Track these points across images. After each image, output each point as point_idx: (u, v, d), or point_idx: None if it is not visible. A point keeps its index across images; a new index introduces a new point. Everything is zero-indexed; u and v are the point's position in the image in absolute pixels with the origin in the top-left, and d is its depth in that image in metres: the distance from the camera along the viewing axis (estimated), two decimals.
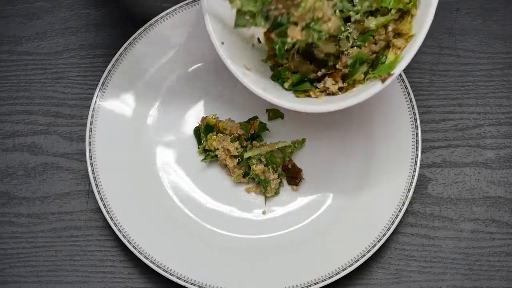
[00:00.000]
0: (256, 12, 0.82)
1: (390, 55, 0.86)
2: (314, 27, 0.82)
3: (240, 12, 0.83)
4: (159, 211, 0.95)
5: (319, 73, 0.89)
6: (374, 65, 0.87)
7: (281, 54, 0.83)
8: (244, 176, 0.97)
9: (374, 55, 0.87)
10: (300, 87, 0.90)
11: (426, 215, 0.97)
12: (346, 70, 0.87)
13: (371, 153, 0.96)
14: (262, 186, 0.96)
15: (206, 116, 0.98)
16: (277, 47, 0.83)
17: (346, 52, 0.87)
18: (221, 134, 0.97)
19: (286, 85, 0.90)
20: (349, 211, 0.94)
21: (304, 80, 0.90)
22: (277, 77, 0.91)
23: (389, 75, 0.82)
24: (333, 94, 0.88)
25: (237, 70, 0.86)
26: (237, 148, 0.96)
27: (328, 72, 0.89)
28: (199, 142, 0.99)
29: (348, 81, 0.88)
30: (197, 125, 0.99)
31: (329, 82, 0.88)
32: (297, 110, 0.85)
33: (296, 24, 0.81)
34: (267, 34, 0.82)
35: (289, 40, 0.82)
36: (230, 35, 0.88)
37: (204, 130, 0.98)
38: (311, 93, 0.89)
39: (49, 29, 1.05)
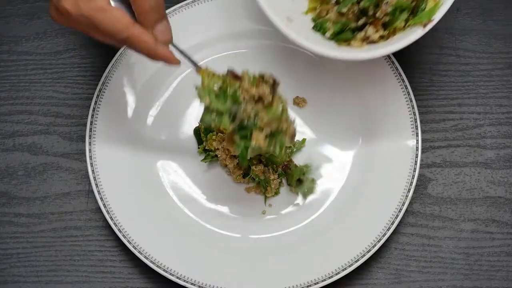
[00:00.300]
0: (224, 111, 0.82)
1: (430, 2, 0.89)
2: (278, 137, 0.83)
3: (207, 109, 0.83)
4: (159, 211, 0.95)
5: (360, 22, 0.91)
6: (414, 12, 0.89)
7: (243, 157, 0.84)
8: (244, 176, 0.97)
9: (414, 3, 0.90)
10: (341, 36, 0.92)
11: (426, 215, 0.97)
12: (387, 18, 0.90)
13: (371, 153, 0.96)
14: (262, 186, 0.96)
15: None
16: (239, 150, 0.83)
17: (386, 1, 0.90)
18: (221, 134, 0.97)
19: (328, 34, 0.92)
20: (349, 211, 0.94)
21: (345, 29, 0.92)
22: (319, 28, 0.93)
23: (430, 21, 0.85)
24: (374, 42, 0.90)
25: (279, 20, 0.87)
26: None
27: (369, 21, 0.91)
28: (199, 142, 0.99)
29: (389, 29, 0.90)
30: (197, 125, 0.99)
31: (370, 30, 0.90)
32: (339, 58, 0.87)
33: (261, 129, 0.82)
34: (230, 135, 0.83)
35: (252, 144, 0.82)
36: None
37: (204, 130, 0.97)
38: (352, 42, 0.91)
39: (49, 29, 1.05)
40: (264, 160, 0.96)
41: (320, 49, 0.87)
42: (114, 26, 0.78)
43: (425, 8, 0.89)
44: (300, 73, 1.01)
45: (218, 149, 0.96)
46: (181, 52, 0.85)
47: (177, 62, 0.83)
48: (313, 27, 0.94)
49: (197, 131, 0.99)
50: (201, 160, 0.98)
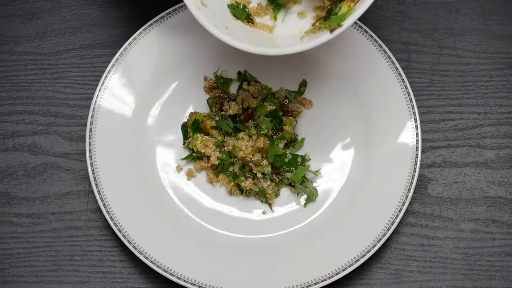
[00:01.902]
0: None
1: (344, 7, 0.85)
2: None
3: None
4: (159, 211, 0.95)
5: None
6: (327, 15, 0.87)
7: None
8: (242, 192, 0.97)
9: (329, 6, 0.87)
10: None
11: (426, 215, 0.97)
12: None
13: (371, 153, 0.96)
14: (260, 195, 0.96)
15: (195, 112, 0.98)
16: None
17: None
18: (207, 137, 0.97)
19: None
20: (349, 211, 0.94)
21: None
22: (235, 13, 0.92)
23: (339, 26, 0.81)
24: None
25: (191, 3, 0.83)
26: (218, 157, 0.96)
27: None
28: (185, 137, 0.99)
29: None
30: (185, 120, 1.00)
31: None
32: (250, 51, 0.84)
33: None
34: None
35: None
36: None
37: (191, 126, 0.98)
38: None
39: (49, 29, 1.05)
40: (250, 175, 0.96)
41: (225, 38, 0.84)
42: None
43: (337, 13, 0.86)
44: (300, 73, 1.01)
45: (202, 153, 0.96)
46: None
47: None
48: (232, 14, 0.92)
49: (184, 126, 0.99)
50: (181, 159, 0.98)
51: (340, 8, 0.85)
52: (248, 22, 0.93)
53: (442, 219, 0.97)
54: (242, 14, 0.92)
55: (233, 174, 0.96)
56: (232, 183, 0.97)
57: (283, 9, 0.94)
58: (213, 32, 0.84)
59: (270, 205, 0.96)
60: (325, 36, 0.82)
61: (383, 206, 0.93)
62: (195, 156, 0.98)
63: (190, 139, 0.98)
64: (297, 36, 0.88)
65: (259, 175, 0.95)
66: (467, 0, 1.05)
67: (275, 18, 0.93)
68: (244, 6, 0.93)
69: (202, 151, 0.96)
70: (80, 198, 0.99)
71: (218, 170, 0.97)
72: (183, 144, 0.99)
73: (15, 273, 0.96)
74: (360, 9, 0.81)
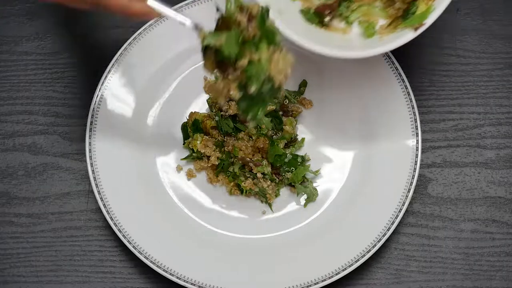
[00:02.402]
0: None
1: (421, 5, 0.89)
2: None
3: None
4: (159, 211, 0.95)
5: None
6: (404, 15, 0.90)
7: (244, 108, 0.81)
8: (242, 192, 0.97)
9: (406, 5, 0.91)
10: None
11: (426, 215, 0.97)
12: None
13: (371, 153, 0.96)
14: (260, 196, 0.96)
15: (195, 112, 0.98)
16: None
17: None
18: (207, 137, 0.97)
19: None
20: (349, 211, 0.94)
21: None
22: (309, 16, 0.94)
23: (421, 24, 0.85)
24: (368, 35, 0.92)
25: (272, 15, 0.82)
26: (218, 157, 0.96)
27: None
28: (185, 137, 0.99)
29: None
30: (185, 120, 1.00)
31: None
32: (331, 55, 0.87)
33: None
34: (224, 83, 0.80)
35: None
36: None
37: (191, 126, 0.98)
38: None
39: (49, 29, 1.05)
40: (250, 175, 0.96)
41: (309, 45, 0.87)
42: None
43: (415, 12, 0.90)
44: (300, 73, 1.01)
45: (202, 153, 0.96)
46: (162, 5, 0.81)
47: (155, 15, 0.81)
48: (305, 18, 0.93)
49: (184, 127, 0.99)
50: (181, 159, 0.98)
51: (417, 7, 0.90)
52: (323, 25, 0.94)
53: (442, 219, 0.97)
54: (314, 18, 0.94)
55: (233, 174, 0.96)
56: (232, 183, 0.97)
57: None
58: (297, 40, 0.86)
59: (270, 205, 0.96)
60: (409, 35, 0.86)
61: (383, 206, 0.93)
62: (195, 156, 0.98)
63: (190, 139, 0.98)
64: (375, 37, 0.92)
65: (259, 175, 0.95)
66: (467, 0, 1.05)
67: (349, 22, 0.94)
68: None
69: (202, 151, 0.96)
70: (80, 198, 0.99)
71: (218, 170, 0.97)
72: (183, 144, 0.99)
73: (15, 273, 0.96)
74: (441, 7, 0.86)
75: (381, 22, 0.94)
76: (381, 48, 0.87)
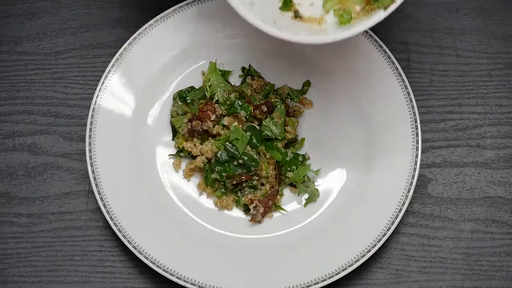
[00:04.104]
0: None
1: None
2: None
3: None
4: (159, 211, 0.95)
5: None
6: None
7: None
8: (245, 211, 0.97)
9: None
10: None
11: (426, 215, 0.97)
12: None
13: (371, 153, 0.96)
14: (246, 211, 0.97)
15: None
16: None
17: None
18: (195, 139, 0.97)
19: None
20: (349, 211, 0.94)
21: None
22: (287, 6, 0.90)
23: (392, 2, 0.82)
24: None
25: (241, 6, 0.83)
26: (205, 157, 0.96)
27: None
28: (174, 134, 0.99)
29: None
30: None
31: None
32: (303, 42, 0.84)
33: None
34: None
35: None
36: None
37: (176, 122, 0.98)
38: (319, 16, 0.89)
39: (49, 29, 1.05)
40: (251, 189, 0.96)
41: (281, 34, 0.83)
42: None
43: None
44: (300, 73, 1.01)
45: (189, 150, 0.97)
46: None
47: None
48: (281, 7, 0.90)
49: (172, 122, 0.99)
50: (169, 155, 0.98)
51: None
52: (296, 17, 0.92)
53: (442, 219, 0.97)
54: (285, 7, 0.91)
55: (223, 188, 0.96)
56: (224, 198, 0.96)
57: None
58: (260, 26, 0.83)
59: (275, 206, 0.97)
60: (379, 15, 0.82)
61: (383, 206, 0.93)
62: (182, 155, 0.98)
63: (177, 135, 0.98)
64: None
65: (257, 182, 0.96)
66: (467, 0, 1.05)
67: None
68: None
69: (189, 150, 0.96)
70: (80, 198, 0.99)
71: (206, 176, 0.96)
72: (173, 140, 0.99)
73: (15, 273, 0.96)
74: None
75: (358, 9, 0.92)
76: (350, 31, 0.83)
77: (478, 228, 0.96)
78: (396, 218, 0.92)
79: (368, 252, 0.91)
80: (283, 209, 0.96)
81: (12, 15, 1.06)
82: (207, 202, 0.97)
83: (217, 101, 0.97)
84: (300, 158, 0.96)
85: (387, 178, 0.94)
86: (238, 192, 0.96)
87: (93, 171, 0.95)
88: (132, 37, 0.99)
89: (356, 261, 0.91)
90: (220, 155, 0.94)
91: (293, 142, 0.98)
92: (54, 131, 1.01)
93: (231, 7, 0.84)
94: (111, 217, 0.93)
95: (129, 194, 0.95)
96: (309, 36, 0.85)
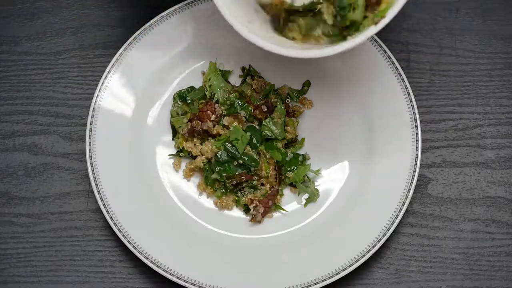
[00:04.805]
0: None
1: (383, 4, 0.87)
2: None
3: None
4: (159, 211, 0.95)
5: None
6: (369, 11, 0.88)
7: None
8: (245, 211, 0.97)
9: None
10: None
11: (426, 215, 0.97)
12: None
13: (371, 153, 0.96)
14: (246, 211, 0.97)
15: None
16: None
17: None
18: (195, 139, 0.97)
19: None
20: (349, 211, 0.94)
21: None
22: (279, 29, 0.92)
23: (382, 17, 0.83)
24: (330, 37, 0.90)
25: (239, 24, 0.86)
26: (207, 158, 0.96)
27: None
28: (174, 134, 0.99)
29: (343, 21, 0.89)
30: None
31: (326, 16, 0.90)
32: (299, 57, 0.86)
33: None
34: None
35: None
36: None
37: (175, 122, 0.98)
38: (312, 34, 0.91)
39: (49, 29, 1.05)
40: (251, 189, 0.96)
41: (282, 50, 0.86)
42: None
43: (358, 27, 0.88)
44: (299, 73, 1.01)
45: (189, 150, 0.96)
46: None
47: None
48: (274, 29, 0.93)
49: (172, 122, 0.99)
50: (169, 155, 0.98)
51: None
52: (281, 33, 0.93)
53: (442, 219, 0.97)
54: (274, 25, 0.93)
55: (223, 188, 0.96)
56: (219, 198, 0.96)
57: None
58: (256, 42, 0.87)
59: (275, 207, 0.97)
60: (370, 30, 0.84)
61: (383, 206, 0.93)
62: (182, 155, 0.98)
63: (177, 135, 0.98)
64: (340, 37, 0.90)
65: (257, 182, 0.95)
66: (467, 0, 1.05)
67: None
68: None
69: (189, 150, 0.96)
70: (80, 198, 0.99)
71: (206, 176, 0.96)
72: (172, 140, 0.99)
73: (15, 273, 0.96)
74: (399, 3, 0.84)
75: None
76: (341, 46, 0.85)
77: (478, 228, 0.96)
78: (396, 218, 0.92)
79: (368, 252, 0.91)
80: (283, 209, 0.96)
81: (12, 15, 1.06)
82: (207, 202, 0.97)
83: (217, 101, 0.97)
84: (300, 158, 0.96)
85: (387, 178, 0.94)
86: (238, 192, 0.96)
87: (93, 171, 0.95)
88: (132, 37, 0.99)
89: (356, 261, 0.91)
90: (220, 155, 0.94)
91: (293, 142, 0.98)
92: (54, 131, 1.01)
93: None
94: (111, 217, 0.93)
95: (129, 194, 0.95)
96: (303, 51, 0.86)
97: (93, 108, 0.97)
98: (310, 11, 0.90)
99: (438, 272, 0.95)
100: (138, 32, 0.99)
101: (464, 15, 1.04)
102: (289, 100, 0.99)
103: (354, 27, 0.88)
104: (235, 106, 0.96)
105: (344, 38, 0.88)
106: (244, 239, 0.95)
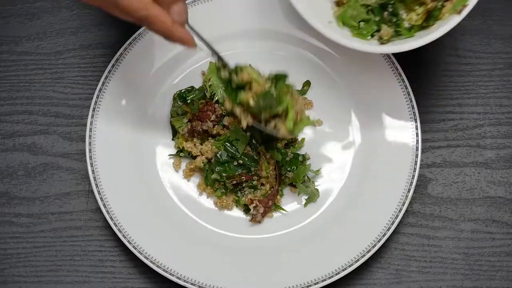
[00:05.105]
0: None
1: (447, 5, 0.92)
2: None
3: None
4: (159, 211, 0.95)
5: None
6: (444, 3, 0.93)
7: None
8: (245, 211, 0.97)
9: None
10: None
11: (426, 215, 0.97)
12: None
13: (371, 153, 0.96)
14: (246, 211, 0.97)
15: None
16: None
17: None
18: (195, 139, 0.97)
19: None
20: (349, 211, 0.94)
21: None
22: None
23: (464, 6, 0.88)
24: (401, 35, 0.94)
25: (320, 24, 0.89)
26: (207, 158, 0.96)
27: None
28: (174, 134, 0.99)
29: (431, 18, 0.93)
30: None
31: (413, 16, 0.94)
32: (382, 52, 0.91)
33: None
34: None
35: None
36: None
37: (175, 122, 0.98)
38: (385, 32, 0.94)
39: (49, 29, 1.05)
40: (252, 189, 0.96)
41: (365, 47, 0.89)
42: (133, 5, 0.78)
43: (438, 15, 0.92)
44: (299, 73, 1.01)
45: (189, 150, 0.96)
46: (197, 34, 0.86)
47: (194, 45, 0.83)
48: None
49: (172, 122, 0.99)
50: (169, 155, 0.98)
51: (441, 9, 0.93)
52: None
53: (442, 219, 0.97)
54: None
55: (223, 188, 0.96)
56: (219, 198, 0.96)
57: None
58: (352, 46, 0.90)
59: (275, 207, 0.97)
60: (455, 19, 0.89)
61: (383, 206, 0.93)
62: (182, 155, 0.98)
63: (177, 135, 0.98)
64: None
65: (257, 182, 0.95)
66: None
67: None
68: None
69: (189, 150, 0.96)
70: (80, 198, 0.99)
71: (206, 176, 0.96)
72: (173, 140, 0.99)
73: (15, 273, 0.96)
74: None
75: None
76: (423, 39, 0.88)
77: (478, 228, 0.96)
78: (396, 218, 0.92)
79: (368, 252, 0.91)
80: (283, 209, 0.96)
81: (12, 15, 1.06)
82: (207, 202, 0.97)
83: (217, 101, 0.97)
84: (300, 158, 0.96)
85: (387, 178, 0.94)
86: (238, 192, 0.96)
87: (93, 171, 0.95)
88: (132, 37, 0.99)
89: (356, 261, 0.91)
90: (220, 155, 0.94)
91: (293, 142, 0.98)
92: (54, 131, 1.01)
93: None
94: (111, 217, 0.93)
95: (129, 194, 0.95)
96: (386, 47, 0.91)
97: (93, 108, 0.97)
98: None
99: (438, 272, 0.95)
100: (138, 32, 0.99)
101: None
102: None
103: (433, 18, 0.91)
104: None
105: (422, 28, 0.92)
106: (244, 239, 0.95)
